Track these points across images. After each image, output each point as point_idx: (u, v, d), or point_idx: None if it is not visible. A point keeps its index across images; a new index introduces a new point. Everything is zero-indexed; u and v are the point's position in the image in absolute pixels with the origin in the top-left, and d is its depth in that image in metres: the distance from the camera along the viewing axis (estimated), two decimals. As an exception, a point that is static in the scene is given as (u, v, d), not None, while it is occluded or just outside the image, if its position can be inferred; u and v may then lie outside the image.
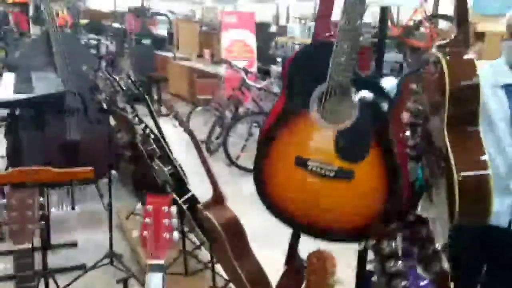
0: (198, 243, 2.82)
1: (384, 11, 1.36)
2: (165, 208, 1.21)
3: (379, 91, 1.22)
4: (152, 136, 2.88)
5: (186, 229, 2.68)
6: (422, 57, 1.40)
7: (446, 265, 1.05)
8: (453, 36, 1.40)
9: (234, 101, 5.57)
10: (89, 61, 3.27)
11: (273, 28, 11.61)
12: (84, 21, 9.25)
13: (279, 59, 8.33)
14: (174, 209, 1.23)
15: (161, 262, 1.18)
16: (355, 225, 1.24)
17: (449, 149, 1.26)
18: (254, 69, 7.11)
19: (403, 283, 0.95)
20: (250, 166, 4.97)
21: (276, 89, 5.62)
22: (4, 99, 2.09)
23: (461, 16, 1.35)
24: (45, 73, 2.70)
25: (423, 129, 1.46)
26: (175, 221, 1.22)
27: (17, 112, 2.94)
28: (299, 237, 1.59)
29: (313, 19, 16.58)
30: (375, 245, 0.99)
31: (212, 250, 2.28)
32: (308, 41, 10.64)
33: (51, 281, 2.21)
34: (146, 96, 2.97)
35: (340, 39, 1.20)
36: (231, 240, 1.99)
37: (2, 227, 2.92)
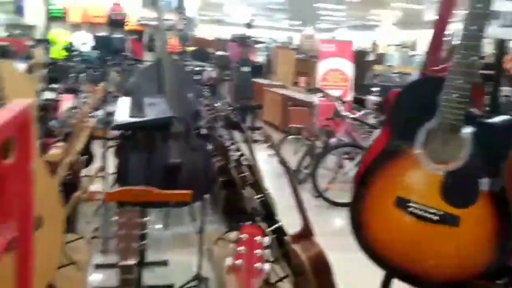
0: (281, 275, 2.80)
1: (502, 44, 1.27)
2: (259, 238, 1.23)
3: (493, 131, 1.12)
4: (246, 163, 2.95)
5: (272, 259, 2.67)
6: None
7: None
8: None
9: (327, 131, 5.52)
10: (193, 88, 3.45)
11: (371, 56, 11.43)
12: (190, 49, 9.87)
13: (375, 89, 8.17)
14: (267, 239, 1.24)
15: (252, 292, 1.18)
16: (456, 276, 1.13)
17: None
18: (349, 98, 7.05)
19: None
20: (338, 199, 4.85)
21: (372, 121, 5.49)
22: (120, 121, 2.29)
23: None
24: (155, 98, 2.91)
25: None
26: (267, 252, 1.23)
27: (127, 134, 3.19)
28: (390, 282, 1.51)
29: (413, 48, 16.11)
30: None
31: (295, 284, 2.24)
32: (407, 70, 10.35)
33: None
34: (243, 125, 3.05)
35: (453, 75, 1.13)
36: (317, 276, 1.95)
37: (107, 241, 3.13)
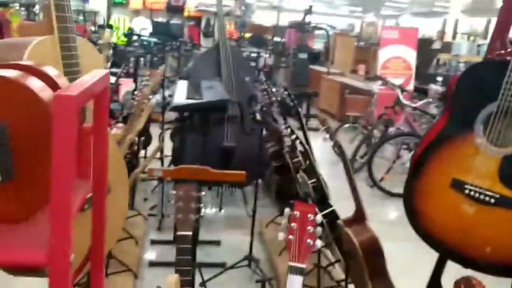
0: (332, 259, 2.80)
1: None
2: (311, 216, 1.25)
3: None
4: (300, 148, 2.97)
5: (323, 243, 2.68)
6: None
7: None
8: None
9: (385, 120, 5.39)
10: (250, 73, 3.50)
11: (436, 45, 10.94)
12: (248, 35, 9.94)
13: (439, 78, 7.86)
14: (319, 217, 1.27)
15: (303, 266, 1.22)
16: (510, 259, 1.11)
17: None
18: (410, 87, 6.83)
19: None
20: (394, 189, 4.77)
21: (433, 110, 5.30)
22: (178, 103, 2.38)
23: None
24: (212, 82, 2.98)
25: None
26: (319, 229, 1.26)
27: (184, 116, 3.30)
28: (444, 265, 1.49)
29: (484, 37, 15.27)
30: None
31: (347, 268, 2.25)
32: (476, 59, 9.89)
33: (196, 272, 2.42)
34: (299, 110, 3.06)
35: (518, 58, 1.10)
36: (369, 259, 1.94)
37: (163, 219, 3.25)
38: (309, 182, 2.77)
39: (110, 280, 2.52)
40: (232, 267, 2.88)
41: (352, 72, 9.34)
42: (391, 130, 5.29)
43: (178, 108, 2.44)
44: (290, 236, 1.23)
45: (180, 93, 2.56)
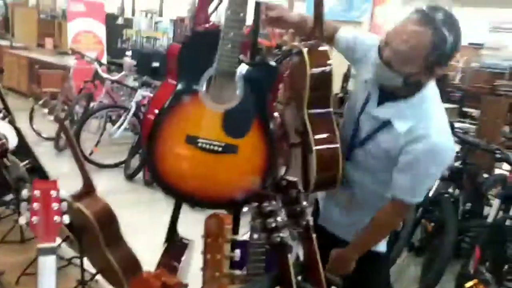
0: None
1: (258, 5, 1.53)
2: (54, 193, 1.21)
3: (260, 74, 1.41)
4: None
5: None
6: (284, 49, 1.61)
7: (309, 219, 1.27)
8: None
9: (86, 94, 5.32)
10: None
11: (120, 20, 11.23)
12: None
13: (128, 53, 8.14)
14: (63, 192, 1.24)
15: (53, 245, 1.18)
16: (240, 194, 1.40)
17: (308, 127, 1.51)
18: (104, 61, 6.86)
19: (280, 235, 1.15)
20: (105, 161, 4.92)
21: (131, 83, 5.54)
22: None
23: (317, 17, 1.59)
24: None
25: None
26: (64, 204, 1.23)
27: None
28: (178, 215, 1.71)
29: (160, 14, 16.54)
30: (258, 207, 1.16)
31: (81, 244, 2.22)
32: (155, 34, 10.66)
33: None
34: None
35: (226, 28, 1.34)
36: (103, 229, 1.99)
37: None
38: (21, 164, 2.53)
39: None
40: None
41: (38, 46, 8.65)
42: (94, 104, 5.27)
43: None
44: (34, 218, 1.16)
45: None
